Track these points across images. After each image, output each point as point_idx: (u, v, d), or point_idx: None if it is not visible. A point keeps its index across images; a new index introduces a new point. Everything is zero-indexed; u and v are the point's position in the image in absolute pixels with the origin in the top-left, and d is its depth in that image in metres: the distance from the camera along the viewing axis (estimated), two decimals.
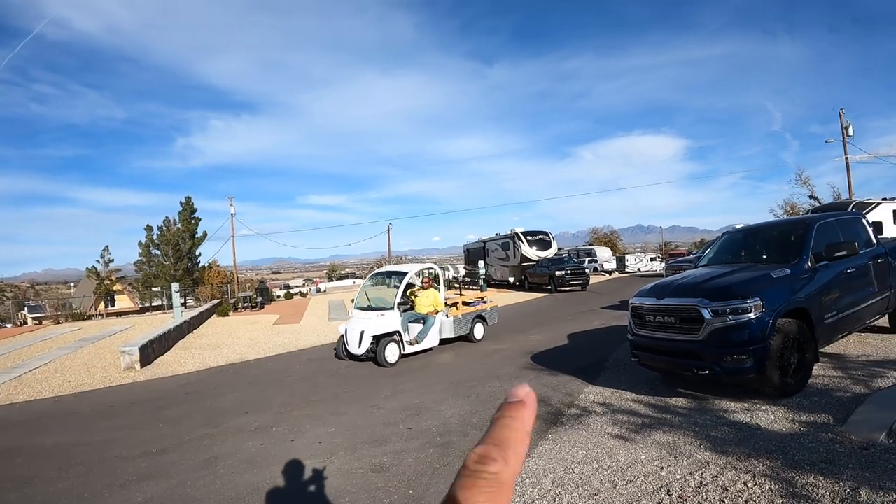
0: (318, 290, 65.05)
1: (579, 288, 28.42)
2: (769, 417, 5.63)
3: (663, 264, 38.53)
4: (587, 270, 31.48)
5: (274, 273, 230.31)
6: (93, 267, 47.23)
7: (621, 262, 50.25)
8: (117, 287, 51.64)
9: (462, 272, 41.44)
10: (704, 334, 6.20)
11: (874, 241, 8.83)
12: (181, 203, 45.34)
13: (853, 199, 23.94)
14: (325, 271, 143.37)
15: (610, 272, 45.73)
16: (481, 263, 28.84)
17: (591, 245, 60.47)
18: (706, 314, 6.20)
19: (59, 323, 31.55)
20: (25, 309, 59.81)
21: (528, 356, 10.60)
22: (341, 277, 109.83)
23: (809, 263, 7.03)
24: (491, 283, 32.29)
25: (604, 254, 50.60)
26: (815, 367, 6.66)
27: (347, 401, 8.40)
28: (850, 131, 32.53)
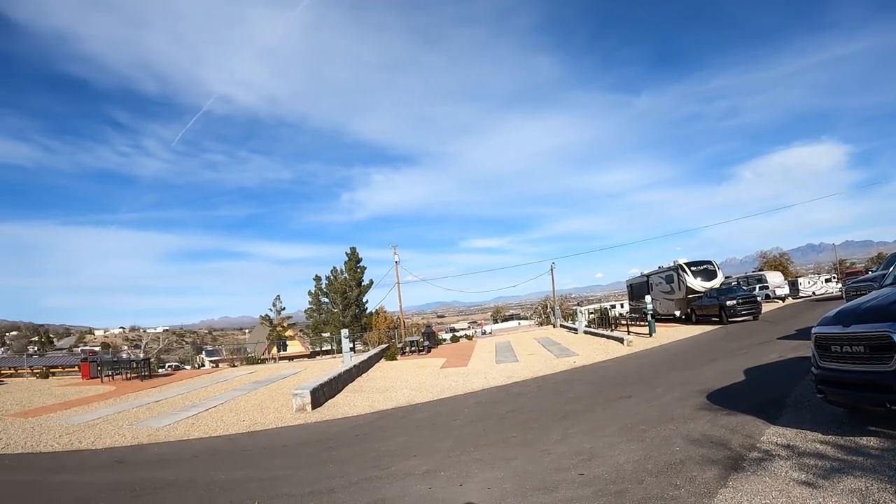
0: (484, 333, 65.55)
1: (751, 318, 26.48)
2: None
3: (840, 286, 35.45)
4: (758, 298, 29.52)
5: (439, 317, 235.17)
6: (266, 315, 50.68)
7: (794, 287, 46.00)
8: (289, 333, 54.90)
9: (626, 308, 40.20)
10: None
11: None
12: (347, 254, 47.81)
13: None
14: (490, 313, 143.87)
15: (782, 298, 42.31)
16: (648, 298, 27.72)
17: (760, 270, 56.48)
18: None
19: (234, 366, 33.91)
20: (203, 353, 65.35)
21: (703, 395, 9.85)
22: (506, 319, 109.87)
23: None
24: (656, 317, 31.15)
25: (775, 279, 46.59)
26: None
27: (516, 445, 8.20)
28: None
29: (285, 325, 53.03)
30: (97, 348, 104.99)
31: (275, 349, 51.98)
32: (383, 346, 32.38)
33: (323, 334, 46.51)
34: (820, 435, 6.38)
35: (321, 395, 14.99)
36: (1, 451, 11.08)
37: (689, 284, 31.47)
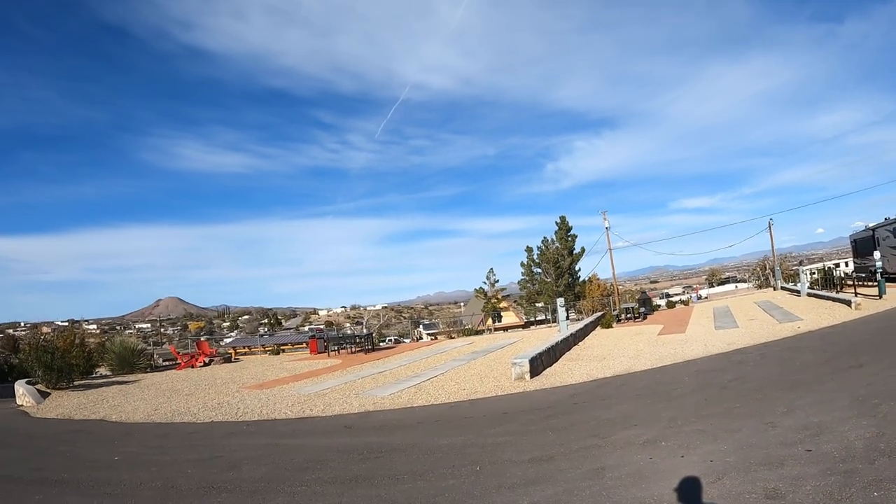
0: (700, 297, 62.73)
1: None
2: None
3: None
4: None
5: (652, 282, 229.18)
6: (480, 287, 52.40)
7: None
8: (503, 304, 56.23)
9: (851, 267, 36.40)
10: None
11: None
12: (556, 223, 47.68)
13: None
14: (705, 277, 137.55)
15: None
16: (877, 254, 24.84)
17: None
18: None
19: (451, 338, 35.39)
20: (420, 327, 69.24)
21: None
22: (722, 282, 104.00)
23: None
24: (886, 276, 27.93)
25: None
26: None
27: (740, 416, 7.75)
28: None
29: (499, 296, 54.39)
30: (322, 326, 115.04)
31: (490, 320, 53.48)
32: (598, 313, 32.12)
33: (536, 304, 46.95)
34: None
35: (539, 363, 15.19)
36: (241, 419, 12.52)
37: None
